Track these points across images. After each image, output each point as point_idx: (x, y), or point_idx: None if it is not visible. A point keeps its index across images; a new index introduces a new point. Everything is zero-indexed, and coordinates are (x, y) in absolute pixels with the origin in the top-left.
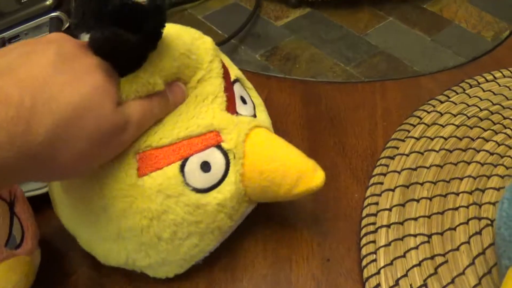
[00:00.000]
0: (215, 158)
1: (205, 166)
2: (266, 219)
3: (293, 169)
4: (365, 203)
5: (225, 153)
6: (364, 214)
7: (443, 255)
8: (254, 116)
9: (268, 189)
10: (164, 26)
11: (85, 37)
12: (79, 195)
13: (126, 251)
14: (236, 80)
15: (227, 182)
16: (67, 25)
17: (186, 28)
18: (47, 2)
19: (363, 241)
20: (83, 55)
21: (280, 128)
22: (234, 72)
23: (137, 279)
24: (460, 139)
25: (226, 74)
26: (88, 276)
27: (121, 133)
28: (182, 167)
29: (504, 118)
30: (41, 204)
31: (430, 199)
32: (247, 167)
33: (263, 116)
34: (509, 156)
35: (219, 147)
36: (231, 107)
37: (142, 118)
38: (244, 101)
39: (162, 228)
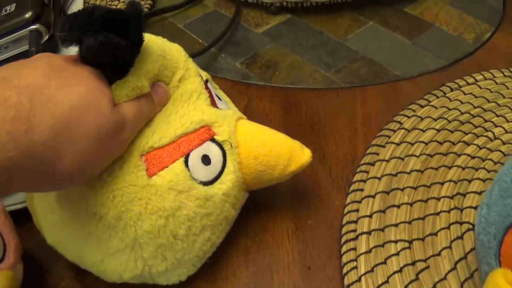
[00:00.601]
0: (212, 150)
1: (206, 159)
2: (246, 229)
3: (284, 150)
4: (346, 210)
5: (219, 145)
6: (344, 221)
7: (424, 260)
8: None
9: (264, 173)
10: (143, 30)
11: (67, 52)
12: (87, 214)
13: (142, 259)
14: (207, 80)
15: (227, 172)
16: (46, 37)
17: (150, 34)
18: (26, 15)
19: (344, 248)
20: (72, 65)
21: None
22: (203, 73)
23: None
24: (441, 144)
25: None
26: None
27: (120, 132)
28: (186, 163)
29: (486, 121)
30: (23, 218)
31: (411, 204)
32: (243, 155)
33: (236, 109)
34: (490, 159)
35: (213, 140)
36: (213, 103)
37: (136, 117)
38: (219, 98)
39: (177, 225)
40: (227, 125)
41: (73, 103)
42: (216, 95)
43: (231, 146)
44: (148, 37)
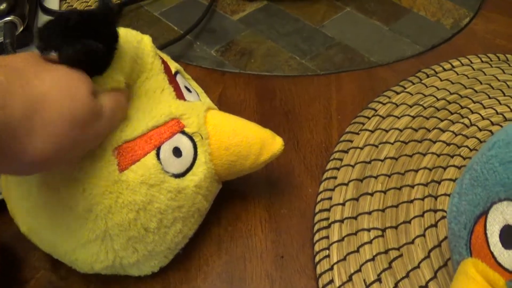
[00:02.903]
0: (183, 143)
1: (177, 152)
2: (219, 218)
3: (255, 139)
4: (318, 198)
5: (190, 137)
6: (317, 209)
7: (398, 249)
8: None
9: (236, 163)
10: (117, 26)
11: None
12: (59, 203)
13: (113, 250)
14: (177, 72)
15: (198, 163)
16: (21, 29)
17: (127, 30)
18: (1, 7)
19: (316, 237)
20: (53, 60)
21: None
22: (174, 65)
23: (93, 281)
24: (416, 130)
25: (167, 68)
26: (47, 280)
27: (97, 120)
28: (157, 156)
29: (462, 107)
30: None
31: (385, 192)
32: (213, 146)
33: (208, 100)
34: (466, 146)
35: (183, 132)
36: (180, 96)
37: (114, 107)
38: (188, 90)
39: (148, 218)
40: (196, 116)
41: (50, 87)
42: (186, 87)
43: (202, 137)
44: (124, 36)
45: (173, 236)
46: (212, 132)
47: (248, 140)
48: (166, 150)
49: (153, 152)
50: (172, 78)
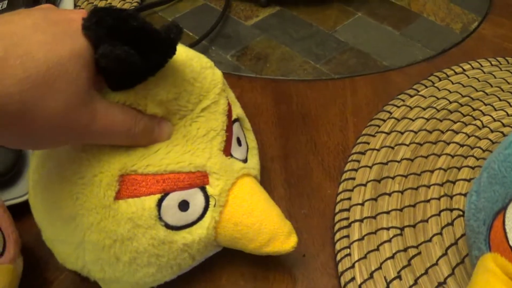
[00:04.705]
0: (196, 199)
1: (184, 205)
2: None
3: (268, 229)
4: (338, 198)
5: (207, 197)
6: (337, 209)
7: (416, 247)
8: (246, 160)
9: (239, 241)
10: (171, 57)
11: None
12: (55, 196)
13: (83, 260)
14: (236, 120)
15: (200, 225)
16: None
17: (200, 55)
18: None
19: (337, 236)
20: (68, 23)
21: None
22: (236, 111)
23: None
24: (430, 132)
25: (229, 112)
26: (70, 281)
27: (88, 122)
28: (160, 201)
29: (474, 109)
30: (21, 212)
31: (402, 192)
32: (224, 216)
33: (254, 160)
34: (479, 147)
35: (203, 189)
36: (227, 148)
37: (114, 125)
38: (239, 143)
39: (123, 251)
40: (224, 181)
41: (51, 64)
42: (238, 139)
43: (215, 204)
44: (185, 60)
45: (144, 275)
46: (231, 202)
47: (261, 226)
48: (173, 199)
49: (157, 196)
50: (230, 125)
